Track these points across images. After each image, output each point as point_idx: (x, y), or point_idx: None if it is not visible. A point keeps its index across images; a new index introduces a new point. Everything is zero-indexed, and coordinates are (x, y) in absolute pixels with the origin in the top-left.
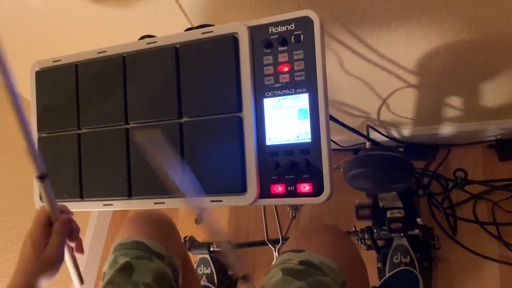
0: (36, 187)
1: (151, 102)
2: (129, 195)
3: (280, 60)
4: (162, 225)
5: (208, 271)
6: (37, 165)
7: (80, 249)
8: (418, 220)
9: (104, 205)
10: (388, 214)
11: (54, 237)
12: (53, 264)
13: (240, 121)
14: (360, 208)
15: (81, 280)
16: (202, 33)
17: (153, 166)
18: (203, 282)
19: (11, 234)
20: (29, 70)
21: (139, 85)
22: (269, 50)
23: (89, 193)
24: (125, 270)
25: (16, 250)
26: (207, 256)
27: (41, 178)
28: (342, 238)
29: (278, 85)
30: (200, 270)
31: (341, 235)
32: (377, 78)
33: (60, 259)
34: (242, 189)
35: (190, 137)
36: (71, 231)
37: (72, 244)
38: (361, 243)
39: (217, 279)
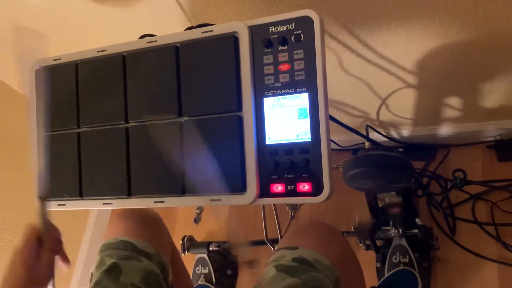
0: (35, 185)
1: (151, 101)
2: (129, 194)
3: (280, 59)
4: (148, 222)
5: (206, 271)
6: (40, 187)
7: (66, 260)
8: (417, 220)
9: (104, 204)
10: (387, 200)
11: (46, 255)
12: (45, 281)
13: (240, 120)
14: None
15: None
16: (202, 32)
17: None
18: (201, 281)
19: (9, 232)
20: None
21: (139, 84)
22: (269, 50)
23: (89, 192)
24: (113, 271)
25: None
26: (205, 256)
27: (42, 198)
28: (334, 235)
29: (278, 84)
30: (198, 270)
31: (333, 231)
32: (377, 78)
33: (51, 276)
34: (241, 188)
35: (190, 136)
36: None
37: (59, 258)
38: (360, 243)
39: (215, 278)
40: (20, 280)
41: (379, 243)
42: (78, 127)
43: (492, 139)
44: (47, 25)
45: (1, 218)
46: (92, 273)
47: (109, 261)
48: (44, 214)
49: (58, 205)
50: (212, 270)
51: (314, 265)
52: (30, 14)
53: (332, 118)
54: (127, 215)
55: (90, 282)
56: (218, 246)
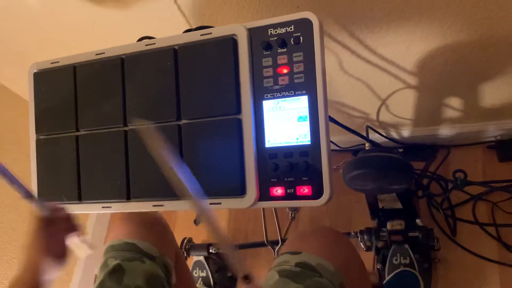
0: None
1: (149, 104)
2: (128, 197)
3: (279, 62)
4: (153, 225)
5: (204, 274)
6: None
7: (77, 228)
8: (418, 221)
9: (103, 207)
10: (389, 226)
11: (62, 235)
12: (65, 257)
13: (239, 123)
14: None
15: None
16: (201, 35)
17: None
18: (199, 285)
19: (9, 235)
20: (27, 71)
21: (138, 87)
22: (268, 52)
23: (88, 195)
24: (116, 272)
25: (14, 251)
26: (202, 259)
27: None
28: (339, 239)
29: (277, 87)
30: (196, 273)
31: (339, 236)
32: (377, 79)
33: (69, 251)
34: (241, 191)
35: (189, 139)
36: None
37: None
38: (361, 243)
39: (213, 281)
40: (39, 260)
41: (379, 244)
42: (77, 130)
43: (492, 139)
44: (45, 27)
45: (0, 221)
46: (96, 275)
47: (112, 263)
48: (39, 205)
49: None
50: (210, 273)
51: (318, 270)
52: (28, 17)
53: (332, 119)
54: (132, 218)
55: (94, 284)
56: (219, 248)
